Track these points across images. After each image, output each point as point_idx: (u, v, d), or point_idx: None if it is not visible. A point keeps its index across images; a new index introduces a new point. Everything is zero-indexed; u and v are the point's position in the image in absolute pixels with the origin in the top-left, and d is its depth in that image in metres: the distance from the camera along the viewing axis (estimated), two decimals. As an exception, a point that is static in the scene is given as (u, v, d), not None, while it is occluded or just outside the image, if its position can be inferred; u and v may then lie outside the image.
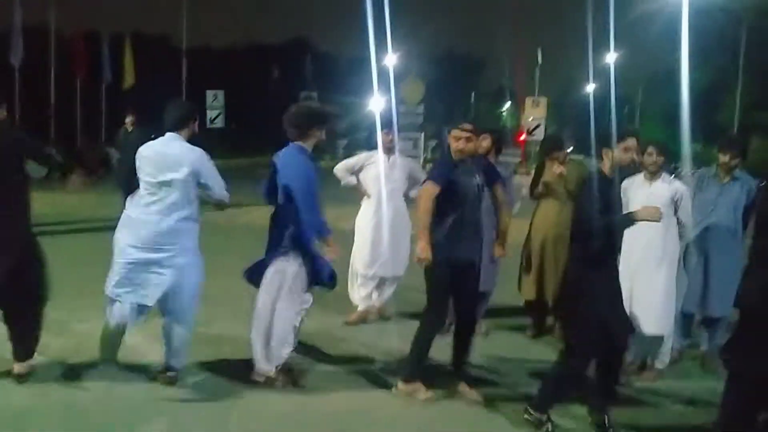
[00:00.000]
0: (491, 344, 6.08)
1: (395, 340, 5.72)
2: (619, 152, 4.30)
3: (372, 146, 6.79)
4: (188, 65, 30.68)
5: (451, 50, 68.43)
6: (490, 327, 6.41)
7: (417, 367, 4.88)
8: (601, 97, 34.86)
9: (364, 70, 32.51)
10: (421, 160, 25.24)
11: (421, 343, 4.91)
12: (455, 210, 4.78)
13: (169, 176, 4.60)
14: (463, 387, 4.93)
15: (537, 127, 27.52)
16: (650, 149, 5.26)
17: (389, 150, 6.63)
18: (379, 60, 28.12)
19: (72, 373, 5.01)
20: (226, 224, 11.65)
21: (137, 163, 4.74)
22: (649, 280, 5.20)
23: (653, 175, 5.29)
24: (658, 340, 5.29)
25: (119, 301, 4.59)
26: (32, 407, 4.48)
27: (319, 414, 4.55)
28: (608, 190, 4.30)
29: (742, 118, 30.38)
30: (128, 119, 12.59)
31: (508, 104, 70.13)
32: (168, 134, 4.76)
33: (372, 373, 5.21)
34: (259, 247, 5.05)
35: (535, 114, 28.25)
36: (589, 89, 38.84)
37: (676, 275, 5.32)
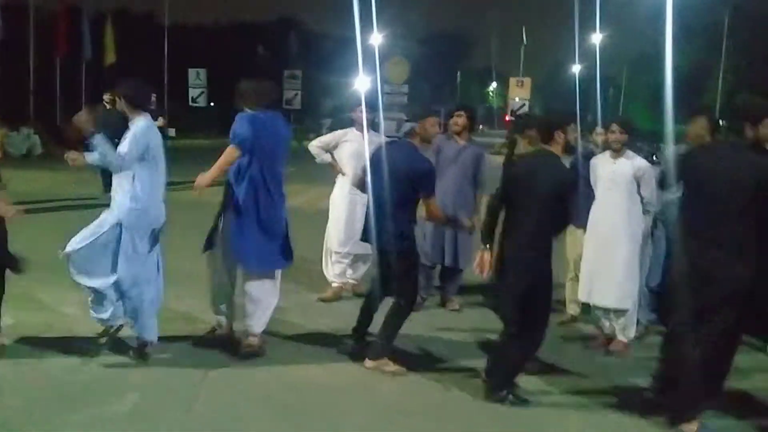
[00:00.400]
0: (463, 320, 6.16)
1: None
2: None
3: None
4: (171, 43, 30.44)
5: (438, 30, 68.20)
6: (463, 303, 6.49)
7: (387, 346, 4.95)
8: (587, 78, 34.97)
9: (350, 49, 32.43)
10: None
11: (394, 325, 4.96)
12: None
13: None
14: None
15: (522, 106, 27.59)
16: (613, 127, 5.38)
17: (363, 127, 6.64)
18: (364, 39, 28.02)
19: (46, 348, 5.05)
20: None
21: None
22: (611, 256, 5.33)
23: (617, 153, 5.38)
24: (621, 313, 5.40)
25: None
26: (7, 381, 4.51)
27: (289, 388, 4.61)
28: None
29: (724, 101, 30.56)
30: (106, 96, 12.53)
31: (494, 84, 70.13)
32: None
33: (344, 349, 5.26)
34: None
35: (519, 94, 28.32)
36: (574, 69, 38.95)
37: (643, 251, 5.42)
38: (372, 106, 6.73)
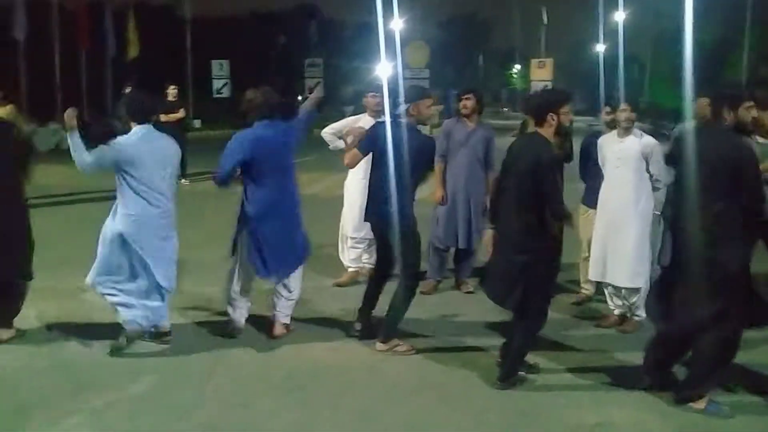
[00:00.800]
0: (477, 302, 6.21)
1: (384, 300, 5.85)
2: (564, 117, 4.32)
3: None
4: (192, 35, 30.66)
5: (459, 13, 67.64)
6: (477, 286, 6.53)
7: (394, 328, 5.04)
8: (610, 57, 34.50)
9: (370, 35, 32.40)
10: (428, 126, 25.22)
11: (400, 307, 5.05)
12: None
13: None
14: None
15: (544, 88, 27.29)
16: (623, 105, 5.36)
17: (377, 113, 6.70)
18: (384, 24, 27.95)
19: (65, 334, 5.23)
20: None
21: None
22: (621, 235, 5.34)
23: (626, 131, 5.38)
24: (634, 292, 5.42)
25: None
26: (25, 366, 4.69)
27: (300, 370, 4.71)
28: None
29: (750, 75, 30.01)
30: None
31: (517, 66, 69.50)
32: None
33: (342, 326, 5.38)
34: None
35: (541, 75, 28.09)
36: (598, 49, 38.45)
37: (654, 229, 5.43)
38: (377, 90, 6.76)
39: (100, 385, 4.41)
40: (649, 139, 5.39)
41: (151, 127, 4.96)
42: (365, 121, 6.68)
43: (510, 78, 73.42)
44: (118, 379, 4.50)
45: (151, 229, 4.83)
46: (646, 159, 5.31)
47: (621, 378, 4.60)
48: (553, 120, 4.28)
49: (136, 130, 4.89)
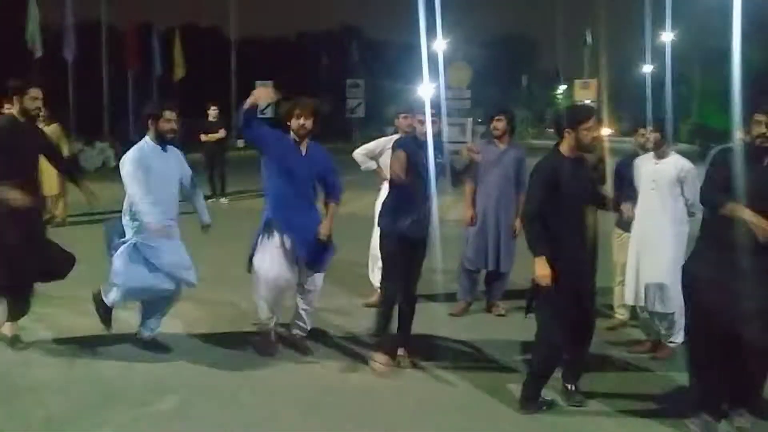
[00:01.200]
0: (509, 325, 6.13)
1: (415, 320, 5.81)
2: (581, 133, 4.26)
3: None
4: (238, 56, 31.19)
5: (503, 33, 67.64)
6: (509, 308, 6.45)
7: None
8: (658, 77, 34.02)
9: (413, 55, 32.53)
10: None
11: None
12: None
13: None
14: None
15: (587, 109, 27.02)
16: (650, 128, 5.34)
17: (408, 134, 6.69)
18: (428, 45, 28.06)
19: (94, 349, 5.32)
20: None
21: None
22: (655, 258, 5.22)
23: (661, 153, 5.29)
24: (668, 317, 5.28)
25: None
26: (56, 379, 4.78)
27: (330, 389, 4.71)
28: (561, 170, 4.27)
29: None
30: (212, 109, 13.02)
31: (563, 87, 69.01)
32: None
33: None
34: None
35: (585, 96, 27.84)
36: (645, 69, 37.99)
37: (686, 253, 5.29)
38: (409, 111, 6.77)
39: (128, 400, 4.47)
40: (684, 163, 5.27)
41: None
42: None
43: (554, 98, 72.90)
44: (145, 395, 4.55)
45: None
46: (681, 182, 5.19)
47: (651, 405, 4.49)
48: (569, 136, 4.28)
49: (143, 141, 5.16)
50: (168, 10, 51.09)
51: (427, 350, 5.41)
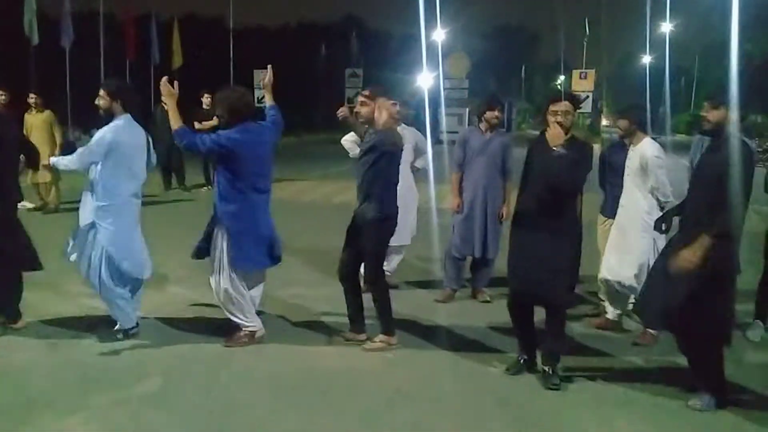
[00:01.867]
0: (494, 311, 6.14)
1: (400, 306, 5.85)
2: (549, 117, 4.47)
3: (420, 124, 6.94)
4: (237, 45, 31.06)
5: (502, 24, 67.47)
6: (494, 295, 6.46)
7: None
8: (657, 69, 33.97)
9: (413, 46, 32.52)
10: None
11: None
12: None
13: None
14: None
15: (585, 99, 27.02)
16: (616, 115, 5.56)
17: (396, 120, 6.68)
18: (427, 36, 28.03)
19: (75, 333, 5.35)
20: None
21: None
22: (626, 240, 5.39)
23: (632, 141, 5.47)
24: (627, 294, 5.49)
25: None
26: (34, 363, 4.81)
27: (311, 374, 4.73)
28: (531, 150, 4.66)
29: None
30: (205, 97, 12.99)
31: (561, 78, 68.82)
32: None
33: (370, 337, 5.34)
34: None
35: (583, 87, 27.74)
36: (644, 60, 37.91)
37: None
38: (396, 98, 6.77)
39: (108, 384, 4.49)
40: (647, 150, 5.33)
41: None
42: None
43: (554, 89, 72.77)
44: (125, 378, 4.57)
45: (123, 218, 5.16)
46: (645, 170, 5.30)
47: (627, 389, 4.53)
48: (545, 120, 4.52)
49: (121, 120, 5.14)
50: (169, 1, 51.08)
51: (411, 336, 5.44)
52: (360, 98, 5.19)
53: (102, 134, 5.02)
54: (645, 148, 5.33)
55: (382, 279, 5.24)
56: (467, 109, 26.77)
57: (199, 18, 42.70)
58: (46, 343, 5.17)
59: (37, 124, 10.33)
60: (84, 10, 24.05)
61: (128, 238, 5.15)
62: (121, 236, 5.09)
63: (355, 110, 5.26)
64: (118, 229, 5.06)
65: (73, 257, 5.16)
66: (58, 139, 10.49)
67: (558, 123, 4.45)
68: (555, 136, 4.39)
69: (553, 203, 4.43)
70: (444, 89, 26.73)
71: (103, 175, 5.01)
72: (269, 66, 5.39)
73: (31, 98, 10.47)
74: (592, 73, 26.91)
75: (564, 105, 4.49)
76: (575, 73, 27.14)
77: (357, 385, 4.59)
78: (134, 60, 25.36)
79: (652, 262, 5.08)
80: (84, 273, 5.15)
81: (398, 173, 5.24)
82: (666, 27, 33.15)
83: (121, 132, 5.05)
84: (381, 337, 5.21)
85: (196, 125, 13.37)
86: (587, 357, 5.14)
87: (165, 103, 5.12)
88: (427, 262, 7.76)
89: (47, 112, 10.46)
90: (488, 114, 6.31)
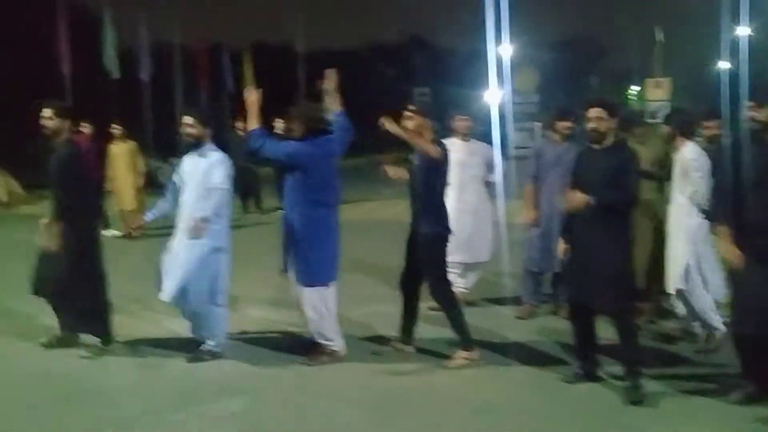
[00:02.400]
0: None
1: (480, 322, 5.82)
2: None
3: (488, 140, 6.95)
4: (306, 70, 31.66)
5: (572, 36, 66.53)
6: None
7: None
8: (735, 76, 32.77)
9: (480, 62, 32.40)
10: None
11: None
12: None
13: None
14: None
15: (660, 108, 26.35)
16: (707, 123, 5.62)
17: (466, 136, 6.68)
18: (494, 51, 27.85)
19: (165, 352, 5.52)
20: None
21: None
22: (672, 243, 5.38)
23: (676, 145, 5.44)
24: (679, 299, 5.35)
25: None
26: (127, 383, 4.98)
27: (391, 393, 4.74)
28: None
29: None
30: (239, 123, 13.37)
31: (635, 87, 67.43)
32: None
33: (446, 353, 5.30)
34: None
35: (657, 95, 27.10)
36: (721, 66, 36.71)
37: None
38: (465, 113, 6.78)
39: (196, 403, 4.60)
40: (684, 153, 5.27)
41: None
42: (456, 144, 6.66)
43: (626, 99, 71.33)
44: (213, 397, 4.68)
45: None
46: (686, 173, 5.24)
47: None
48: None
49: None
50: (239, 29, 52.50)
51: (493, 353, 5.38)
52: (406, 113, 5.22)
53: (225, 167, 5.26)
54: (684, 152, 5.28)
55: (447, 294, 5.22)
56: (538, 123, 26.45)
57: (268, 45, 43.64)
58: (137, 363, 5.35)
59: (120, 153, 10.76)
60: (159, 43, 24.94)
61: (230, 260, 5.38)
62: (228, 258, 5.32)
63: (402, 125, 5.29)
64: (227, 250, 5.28)
65: (172, 281, 5.21)
66: (141, 168, 10.89)
67: (593, 129, 4.53)
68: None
69: (602, 208, 4.45)
70: (513, 104, 26.52)
71: (224, 200, 5.24)
72: (331, 70, 5.44)
73: (114, 129, 10.91)
74: (667, 81, 26.26)
75: (595, 111, 4.54)
76: (649, 81, 26.56)
77: (443, 401, 4.60)
78: (208, 89, 26.15)
79: (693, 268, 5.10)
80: (178, 293, 5.19)
81: (444, 186, 5.36)
82: (742, 30, 32.02)
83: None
84: (461, 353, 5.17)
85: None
86: (671, 367, 4.98)
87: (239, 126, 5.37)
88: (506, 278, 7.66)
89: (130, 143, 10.87)
90: (560, 125, 6.24)
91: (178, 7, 38.65)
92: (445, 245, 5.29)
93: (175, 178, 5.45)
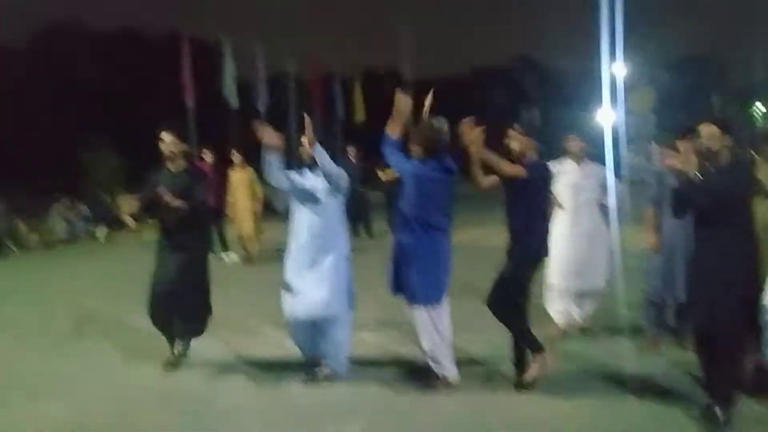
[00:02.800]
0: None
1: (600, 354, 5.63)
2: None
3: (601, 161, 6.80)
4: (414, 95, 31.99)
5: (692, 53, 63.99)
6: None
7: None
8: None
9: (592, 81, 31.66)
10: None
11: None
12: None
13: None
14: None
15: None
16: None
17: (580, 157, 6.51)
18: (607, 70, 27.14)
19: (280, 376, 5.61)
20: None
21: None
22: None
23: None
24: None
25: None
26: (245, 404, 5.11)
27: (511, 421, 4.67)
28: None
29: None
30: (351, 150, 13.64)
31: (758, 104, 63.98)
32: None
33: (564, 384, 5.16)
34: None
35: (786, 112, 25.55)
36: None
37: None
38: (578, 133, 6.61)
39: (313, 425, 4.68)
40: None
41: None
42: (569, 166, 6.51)
43: (751, 117, 67.73)
44: (330, 420, 4.74)
45: None
46: None
47: None
48: None
49: None
50: (350, 58, 53.89)
51: (614, 385, 5.22)
52: (510, 133, 5.20)
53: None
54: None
55: (514, 312, 5.09)
56: (654, 144, 25.47)
57: (377, 73, 44.35)
58: (252, 384, 5.49)
59: (240, 181, 11.19)
60: (274, 74, 25.87)
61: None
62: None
63: (506, 144, 5.27)
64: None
65: (314, 295, 5.29)
66: (259, 195, 11.28)
67: (706, 148, 4.37)
68: (682, 161, 4.40)
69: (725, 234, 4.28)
70: (626, 125, 25.68)
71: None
72: (431, 91, 5.43)
73: (234, 157, 11.35)
74: (795, 96, 24.72)
75: (707, 128, 4.39)
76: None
77: (547, 427, 4.54)
78: (320, 117, 26.87)
79: None
80: (322, 305, 5.28)
81: (536, 207, 5.18)
82: None
83: None
84: (532, 364, 5.08)
85: (379, 173, 13.88)
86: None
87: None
88: (624, 307, 7.35)
89: (249, 170, 11.29)
90: (681, 146, 5.95)
91: (293, 36, 39.93)
92: (530, 267, 5.13)
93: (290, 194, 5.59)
